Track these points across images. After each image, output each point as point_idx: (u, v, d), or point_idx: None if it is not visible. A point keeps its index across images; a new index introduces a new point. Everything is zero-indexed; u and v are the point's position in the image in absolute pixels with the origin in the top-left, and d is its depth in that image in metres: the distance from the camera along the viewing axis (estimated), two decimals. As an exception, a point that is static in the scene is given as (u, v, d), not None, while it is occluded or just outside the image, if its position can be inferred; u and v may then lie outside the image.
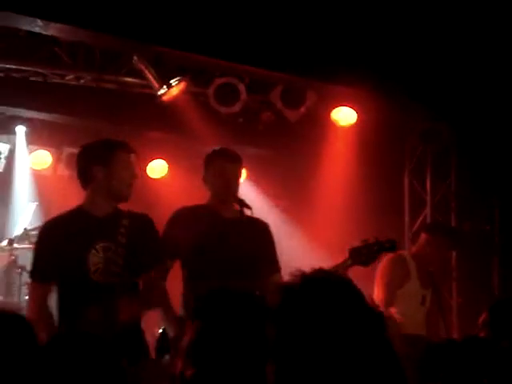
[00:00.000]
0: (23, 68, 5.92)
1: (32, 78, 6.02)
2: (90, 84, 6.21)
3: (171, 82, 5.97)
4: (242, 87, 6.26)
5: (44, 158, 7.23)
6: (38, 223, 7.01)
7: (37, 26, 5.12)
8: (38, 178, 7.36)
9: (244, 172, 6.76)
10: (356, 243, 4.45)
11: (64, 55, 5.95)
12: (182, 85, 6.03)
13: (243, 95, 6.27)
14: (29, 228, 6.39)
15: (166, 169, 7.60)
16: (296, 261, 6.20)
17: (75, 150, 7.15)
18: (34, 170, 7.27)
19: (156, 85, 5.97)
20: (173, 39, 5.46)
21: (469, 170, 7.14)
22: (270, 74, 6.18)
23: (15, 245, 6.34)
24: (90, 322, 3.78)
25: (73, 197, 6.98)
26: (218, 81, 6.23)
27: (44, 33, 5.29)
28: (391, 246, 4.56)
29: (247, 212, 4.34)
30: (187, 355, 2.13)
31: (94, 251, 3.94)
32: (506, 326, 3.37)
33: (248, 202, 4.43)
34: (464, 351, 2.46)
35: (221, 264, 4.43)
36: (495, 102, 6.51)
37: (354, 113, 6.77)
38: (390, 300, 5.17)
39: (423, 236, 5.65)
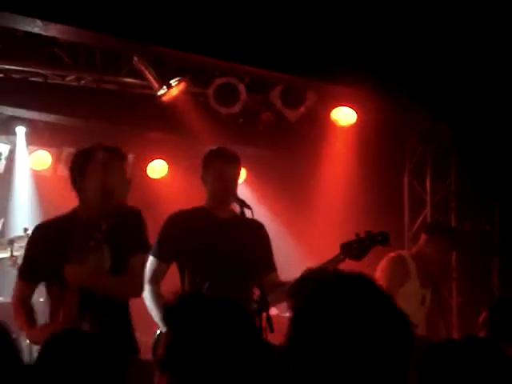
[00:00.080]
0: (23, 69, 5.93)
1: (32, 79, 6.03)
2: (91, 84, 6.21)
3: (171, 82, 5.98)
4: (241, 87, 6.27)
5: (44, 159, 7.23)
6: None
7: (37, 27, 5.12)
8: (38, 178, 7.36)
9: (244, 172, 6.79)
10: (348, 238, 4.48)
11: (64, 56, 5.96)
12: (182, 85, 6.04)
13: (243, 95, 6.27)
14: (30, 230, 6.39)
15: (166, 169, 7.61)
16: (295, 260, 6.23)
17: (74, 151, 7.23)
18: (33, 170, 7.28)
19: (156, 85, 5.97)
20: (173, 39, 5.46)
21: (469, 169, 7.14)
22: (270, 74, 6.19)
23: (15, 244, 6.34)
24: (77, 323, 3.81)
25: (73, 197, 6.99)
26: (218, 81, 6.23)
27: (44, 33, 5.29)
28: (383, 239, 4.56)
29: (247, 212, 4.35)
30: (160, 365, 2.10)
31: (77, 255, 3.96)
32: (506, 326, 3.37)
33: (247, 202, 4.44)
34: (464, 351, 2.46)
35: (218, 265, 4.45)
36: (495, 101, 6.51)
37: (354, 113, 6.77)
38: None
39: (423, 236, 5.66)
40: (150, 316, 4.43)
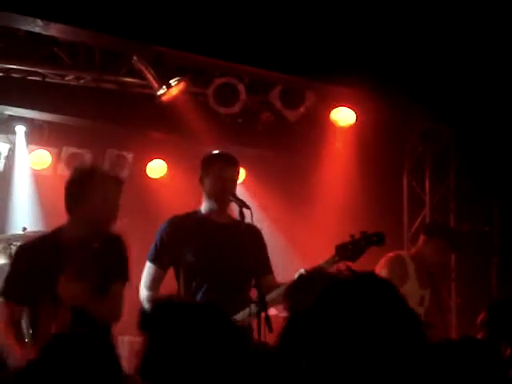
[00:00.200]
0: (23, 68, 5.92)
1: (32, 78, 6.03)
2: (90, 84, 6.21)
3: (171, 82, 5.98)
4: (241, 87, 6.27)
5: (44, 158, 7.23)
6: (39, 223, 7.04)
7: (37, 26, 5.13)
8: (38, 177, 7.36)
9: (243, 172, 6.80)
10: (343, 239, 4.49)
11: (64, 55, 5.96)
12: (182, 85, 6.04)
13: (243, 95, 6.28)
14: (28, 229, 6.39)
15: (166, 169, 7.61)
16: (293, 260, 6.23)
17: (75, 150, 7.24)
18: (33, 169, 7.28)
19: (155, 85, 5.97)
20: (172, 39, 5.46)
21: (468, 170, 7.14)
22: (270, 74, 6.19)
23: (12, 247, 6.33)
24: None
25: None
26: (218, 81, 6.23)
27: (44, 33, 5.29)
28: (378, 240, 4.57)
29: (246, 212, 4.36)
30: (138, 372, 2.10)
31: (63, 278, 4.00)
32: (504, 326, 3.37)
33: (247, 202, 4.45)
34: (461, 352, 2.47)
35: (215, 269, 4.47)
36: (495, 102, 6.51)
37: (353, 113, 6.77)
38: None
39: (422, 237, 5.66)
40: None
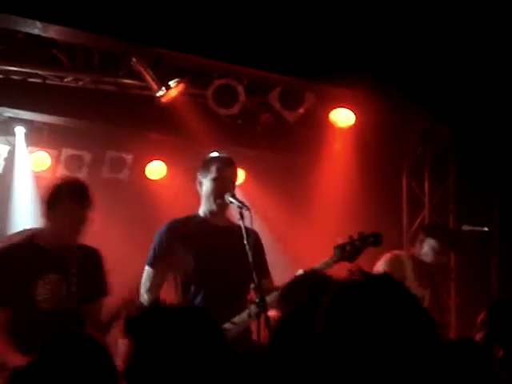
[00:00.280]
0: (22, 70, 5.93)
1: (31, 80, 6.03)
2: (89, 86, 6.21)
3: (170, 83, 5.97)
4: (240, 89, 6.27)
5: (43, 160, 7.23)
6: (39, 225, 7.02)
7: (36, 28, 5.13)
8: (38, 179, 7.36)
9: (243, 173, 6.80)
10: (341, 240, 4.52)
11: (63, 57, 5.96)
12: (181, 86, 6.04)
13: (242, 97, 6.28)
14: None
15: (165, 170, 7.61)
16: (293, 262, 6.22)
17: (74, 152, 7.24)
18: (33, 171, 7.27)
19: (155, 86, 5.97)
20: (171, 41, 5.46)
21: (467, 171, 7.15)
22: (269, 75, 6.19)
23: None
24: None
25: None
26: (217, 82, 6.24)
27: (43, 35, 5.29)
28: (375, 240, 4.60)
29: (246, 213, 4.36)
30: (123, 376, 2.11)
31: (41, 282, 4.08)
32: (504, 327, 3.37)
33: (247, 202, 4.45)
34: (459, 353, 2.47)
35: (215, 272, 4.48)
36: (494, 102, 6.51)
37: (353, 114, 6.78)
38: None
39: (420, 237, 5.67)
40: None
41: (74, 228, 4.22)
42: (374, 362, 1.74)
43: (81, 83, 6.19)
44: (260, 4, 5.64)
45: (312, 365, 1.89)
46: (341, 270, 4.19)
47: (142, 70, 5.94)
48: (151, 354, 2.04)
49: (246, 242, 4.24)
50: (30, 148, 7.05)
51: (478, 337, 3.37)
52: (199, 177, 4.65)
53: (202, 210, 4.65)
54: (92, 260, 4.30)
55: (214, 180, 4.55)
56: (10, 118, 6.65)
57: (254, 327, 4.23)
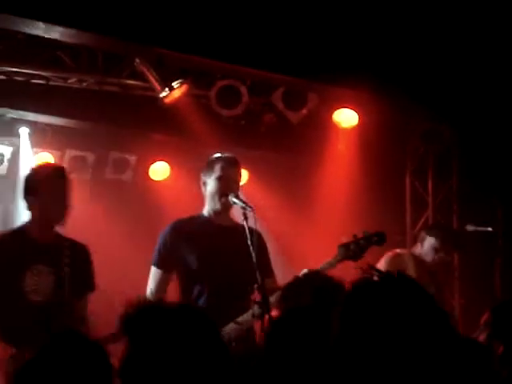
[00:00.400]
0: (26, 71, 5.93)
1: (35, 81, 6.03)
2: (93, 87, 6.22)
3: (173, 84, 5.98)
4: (243, 89, 6.27)
5: (47, 161, 7.22)
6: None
7: (39, 29, 5.13)
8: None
9: (246, 174, 6.80)
10: (345, 239, 4.53)
11: (66, 58, 5.97)
12: (184, 87, 6.04)
13: (245, 97, 6.28)
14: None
15: (169, 171, 7.61)
16: (297, 262, 6.23)
17: (78, 153, 7.24)
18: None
19: (158, 87, 5.98)
20: (174, 42, 5.47)
21: (471, 171, 7.14)
22: (272, 76, 6.19)
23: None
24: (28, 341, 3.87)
25: (75, 199, 6.99)
26: (220, 83, 6.24)
27: (46, 36, 5.30)
28: (379, 239, 4.62)
29: (249, 213, 4.36)
30: (119, 375, 2.12)
31: (29, 273, 4.08)
32: (508, 327, 3.37)
33: (250, 203, 4.46)
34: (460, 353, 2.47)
35: (219, 271, 4.48)
36: (496, 102, 6.51)
37: (356, 114, 6.78)
38: None
39: (421, 236, 5.68)
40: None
41: (56, 210, 4.20)
42: (392, 362, 1.74)
43: (84, 84, 6.20)
44: (263, 5, 5.64)
45: (309, 365, 1.89)
46: (344, 270, 4.20)
47: (145, 70, 5.95)
48: (146, 352, 2.04)
49: (249, 242, 4.25)
50: (33, 149, 7.06)
51: (482, 337, 3.37)
52: (203, 177, 4.65)
53: (206, 210, 4.66)
54: (80, 255, 4.32)
55: (219, 179, 4.56)
56: (13, 119, 6.65)
57: (257, 327, 4.23)
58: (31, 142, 6.91)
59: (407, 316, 1.78)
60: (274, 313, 4.27)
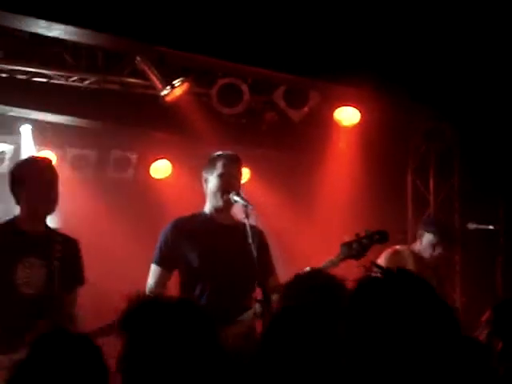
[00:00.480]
0: (27, 69, 5.93)
1: (36, 79, 6.03)
2: (94, 85, 6.22)
3: (174, 82, 5.98)
4: (245, 88, 6.27)
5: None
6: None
7: (40, 27, 5.13)
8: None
9: (247, 172, 6.80)
10: (347, 238, 4.54)
11: (67, 56, 5.97)
12: (185, 85, 6.04)
13: (246, 96, 6.28)
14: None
15: (170, 169, 7.61)
16: (299, 260, 6.22)
17: (79, 151, 7.25)
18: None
19: (159, 85, 5.98)
20: (176, 40, 5.46)
21: (472, 169, 7.14)
22: (274, 74, 6.18)
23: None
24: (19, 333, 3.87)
25: (77, 197, 7.01)
26: (221, 81, 6.24)
27: (47, 34, 5.29)
28: (382, 238, 4.63)
29: (251, 211, 4.36)
30: (118, 370, 2.12)
31: (21, 266, 4.08)
32: (509, 326, 3.37)
33: (252, 201, 4.46)
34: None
35: (220, 270, 4.48)
36: (498, 101, 6.50)
37: (357, 113, 6.77)
38: None
39: (419, 232, 5.70)
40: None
41: (44, 202, 4.21)
42: (400, 359, 1.74)
43: (85, 82, 6.20)
44: (264, 3, 5.64)
45: (304, 363, 1.89)
46: (345, 269, 4.19)
47: (146, 69, 5.95)
48: (145, 347, 2.05)
49: (250, 240, 4.25)
50: (35, 147, 7.05)
51: (482, 335, 3.37)
52: (205, 174, 4.65)
53: (207, 208, 4.66)
54: (71, 248, 4.31)
55: (220, 176, 4.56)
56: (15, 117, 6.66)
57: (259, 326, 4.23)
58: (32, 140, 6.92)
59: (413, 311, 1.78)
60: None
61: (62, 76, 6.11)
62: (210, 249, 4.55)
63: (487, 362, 2.47)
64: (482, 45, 6.08)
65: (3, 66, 5.80)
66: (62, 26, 5.12)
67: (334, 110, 6.77)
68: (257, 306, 4.21)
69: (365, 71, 5.78)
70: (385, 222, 6.04)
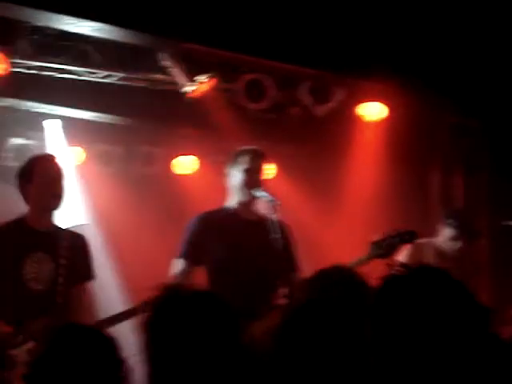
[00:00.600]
0: (55, 66, 5.99)
1: (63, 76, 6.09)
2: (121, 81, 6.27)
3: (200, 78, 6.00)
4: (270, 83, 6.28)
5: (78, 155, 7.28)
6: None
7: (68, 24, 5.19)
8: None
9: (273, 168, 6.81)
10: (377, 236, 4.51)
11: (94, 53, 6.02)
12: (211, 81, 6.06)
13: (271, 91, 6.28)
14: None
15: (196, 165, 7.65)
16: (325, 256, 6.22)
17: (106, 147, 7.30)
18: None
19: (185, 81, 6.01)
20: (201, 36, 5.49)
21: (499, 165, 7.08)
22: (299, 69, 6.19)
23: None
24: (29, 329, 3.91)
25: (104, 192, 7.07)
26: (247, 77, 6.25)
27: (75, 31, 5.35)
28: (410, 238, 4.61)
29: (276, 207, 4.37)
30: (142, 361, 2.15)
31: (29, 261, 4.13)
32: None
33: (278, 197, 4.46)
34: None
35: (245, 265, 4.49)
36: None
37: (383, 108, 6.75)
38: None
39: (440, 225, 5.67)
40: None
41: (50, 198, 4.26)
42: (428, 356, 1.74)
43: (112, 79, 6.24)
44: (290, -1, 5.65)
45: (324, 357, 1.89)
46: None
47: (172, 65, 5.98)
48: (168, 338, 2.07)
49: (275, 235, 4.25)
50: (62, 143, 7.11)
51: (508, 331, 3.35)
52: (229, 169, 4.66)
53: (231, 203, 4.67)
54: (79, 245, 4.35)
55: (245, 171, 4.56)
56: (42, 113, 6.72)
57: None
58: (60, 136, 6.98)
59: (440, 308, 1.77)
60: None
61: (89, 72, 6.16)
62: (233, 244, 4.56)
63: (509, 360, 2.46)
64: (508, 39, 6.03)
65: (31, 62, 5.87)
66: (90, 23, 5.17)
67: (358, 106, 6.75)
68: (282, 302, 4.22)
69: (390, 66, 5.76)
70: (409, 218, 6.03)
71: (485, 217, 7.21)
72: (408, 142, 6.86)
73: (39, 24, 5.40)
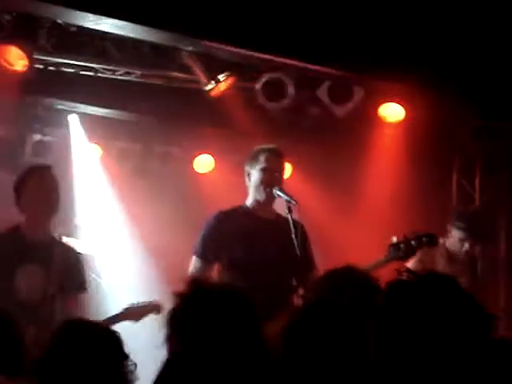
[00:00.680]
0: (74, 62, 6.01)
1: (83, 73, 6.11)
2: (140, 79, 6.27)
3: (219, 77, 6.00)
4: (289, 83, 6.26)
5: (95, 152, 7.30)
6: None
7: (88, 21, 5.19)
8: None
9: (290, 167, 6.79)
10: (396, 238, 4.48)
11: (113, 50, 6.02)
12: (230, 80, 6.06)
13: (291, 91, 6.27)
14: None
15: (213, 163, 7.65)
16: (342, 254, 6.20)
17: (124, 144, 7.32)
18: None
19: (204, 80, 6.01)
20: (221, 34, 5.48)
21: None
22: (318, 69, 6.16)
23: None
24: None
25: (121, 189, 7.09)
26: (266, 76, 6.24)
27: (95, 27, 5.36)
28: (429, 241, 4.57)
29: (294, 207, 4.36)
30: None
31: (21, 272, 4.17)
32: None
33: (296, 197, 4.45)
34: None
35: (261, 264, 4.48)
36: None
37: (402, 109, 6.71)
38: None
39: (449, 227, 5.62)
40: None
41: (43, 208, 4.27)
42: (432, 355, 1.73)
43: (131, 76, 6.25)
44: (309, -2, 5.63)
45: (332, 356, 1.88)
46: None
47: (191, 63, 5.98)
48: (193, 335, 2.07)
49: (293, 235, 4.24)
50: (81, 140, 7.13)
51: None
52: (247, 168, 4.65)
53: (249, 202, 4.66)
54: (71, 257, 4.39)
55: (263, 170, 4.56)
56: (62, 110, 6.75)
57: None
58: (79, 132, 7.00)
59: (443, 315, 1.76)
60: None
61: (108, 70, 6.17)
62: (251, 242, 4.55)
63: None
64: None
65: (51, 59, 5.89)
66: (110, 20, 5.18)
67: (378, 106, 6.72)
68: (298, 301, 4.21)
69: (410, 67, 5.72)
70: (428, 220, 5.98)
71: (505, 217, 7.15)
72: (428, 143, 6.81)
73: (60, 21, 5.41)
